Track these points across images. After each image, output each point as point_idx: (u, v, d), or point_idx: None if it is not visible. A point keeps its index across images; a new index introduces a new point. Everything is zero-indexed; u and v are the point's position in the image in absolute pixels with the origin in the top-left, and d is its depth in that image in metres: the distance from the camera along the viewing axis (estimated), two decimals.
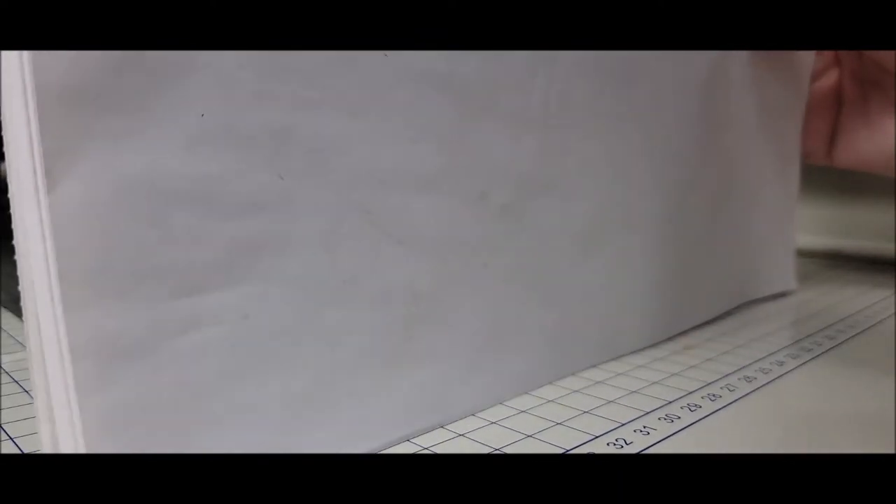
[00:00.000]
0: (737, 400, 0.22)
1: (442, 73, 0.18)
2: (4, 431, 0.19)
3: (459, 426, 0.20)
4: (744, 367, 0.25)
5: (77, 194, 0.13)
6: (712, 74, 0.28)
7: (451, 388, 0.20)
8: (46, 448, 0.14)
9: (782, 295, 0.37)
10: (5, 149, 0.13)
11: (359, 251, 0.17)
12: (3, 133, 0.13)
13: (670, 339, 0.29)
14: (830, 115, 0.37)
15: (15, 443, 0.18)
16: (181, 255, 0.14)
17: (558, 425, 0.20)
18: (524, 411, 0.21)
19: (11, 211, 0.14)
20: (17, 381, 0.23)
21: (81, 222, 0.13)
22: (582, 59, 0.22)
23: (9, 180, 0.13)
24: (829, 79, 0.37)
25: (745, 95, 0.31)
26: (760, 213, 0.34)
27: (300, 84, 0.16)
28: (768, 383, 0.23)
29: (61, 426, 0.13)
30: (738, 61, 0.30)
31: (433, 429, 0.19)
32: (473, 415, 0.20)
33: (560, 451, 0.18)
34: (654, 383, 0.23)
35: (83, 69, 0.13)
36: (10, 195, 0.14)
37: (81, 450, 0.13)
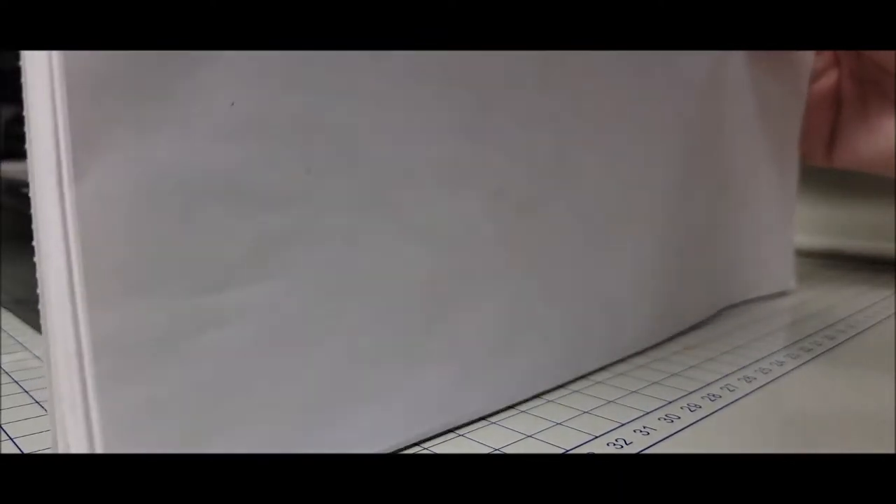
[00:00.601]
0: (737, 400, 0.22)
1: (463, 69, 0.18)
2: (4, 432, 0.19)
3: (459, 426, 0.20)
4: (744, 367, 0.25)
5: (103, 186, 0.12)
6: (713, 75, 0.28)
7: (468, 387, 0.20)
8: (62, 447, 0.14)
9: (782, 294, 0.37)
10: (27, 142, 0.13)
11: (381, 246, 0.17)
12: (26, 124, 0.13)
13: (671, 338, 0.29)
14: (830, 115, 0.37)
15: (15, 443, 0.18)
16: (207, 250, 0.14)
17: (558, 425, 0.20)
18: (524, 411, 0.21)
19: (32, 203, 0.13)
20: (16, 382, 0.23)
21: (107, 215, 0.13)
22: (590, 58, 0.22)
23: (31, 172, 0.13)
24: (829, 79, 0.37)
25: (745, 96, 0.31)
26: (760, 212, 0.34)
27: (329, 74, 0.15)
28: (768, 383, 0.23)
29: (77, 424, 0.13)
30: (737, 61, 0.30)
31: (448, 427, 0.19)
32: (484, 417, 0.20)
33: (560, 451, 0.18)
34: (654, 383, 0.23)
35: (112, 56, 0.12)
36: (31, 188, 0.13)
37: (99, 449, 0.13)
